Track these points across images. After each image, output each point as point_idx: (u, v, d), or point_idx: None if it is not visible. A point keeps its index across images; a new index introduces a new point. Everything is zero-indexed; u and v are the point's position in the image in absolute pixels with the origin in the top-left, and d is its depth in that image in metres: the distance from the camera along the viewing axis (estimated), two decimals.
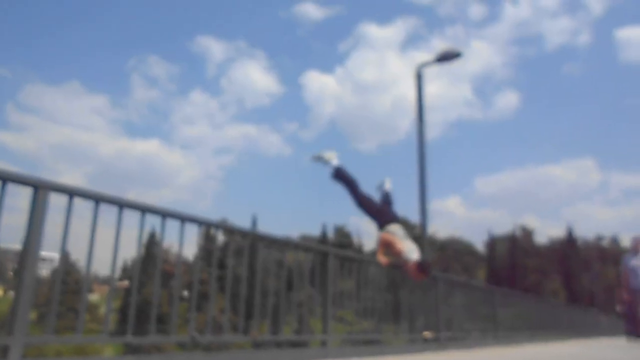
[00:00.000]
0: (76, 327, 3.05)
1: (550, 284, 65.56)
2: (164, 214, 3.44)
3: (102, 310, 48.55)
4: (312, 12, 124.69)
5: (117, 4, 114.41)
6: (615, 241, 70.33)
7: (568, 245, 69.28)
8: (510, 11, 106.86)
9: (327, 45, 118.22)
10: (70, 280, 47.54)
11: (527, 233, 72.08)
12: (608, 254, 66.42)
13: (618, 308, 13.29)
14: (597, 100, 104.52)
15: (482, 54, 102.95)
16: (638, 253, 8.68)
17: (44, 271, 61.90)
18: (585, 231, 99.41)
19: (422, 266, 5.42)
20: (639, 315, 8.58)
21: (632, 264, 8.63)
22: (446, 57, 10.00)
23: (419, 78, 10.06)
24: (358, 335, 5.77)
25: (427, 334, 6.58)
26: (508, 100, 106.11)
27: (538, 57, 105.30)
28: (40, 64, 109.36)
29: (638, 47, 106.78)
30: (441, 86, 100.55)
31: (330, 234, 68.75)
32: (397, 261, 6.16)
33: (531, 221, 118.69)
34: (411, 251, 5.49)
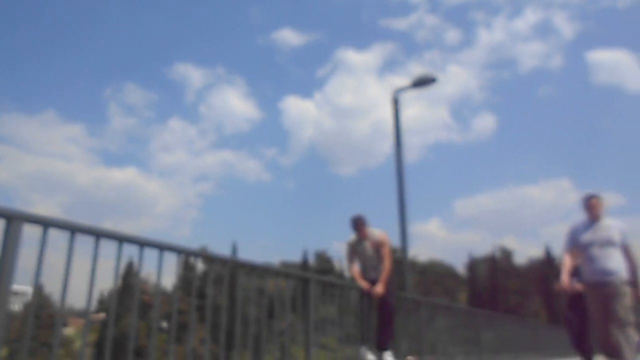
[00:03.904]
0: None
1: (531, 304, 65.97)
2: (142, 243, 3.38)
3: (78, 344, 46.99)
4: (291, 38, 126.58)
5: (94, 32, 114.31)
6: None
7: (547, 265, 70.11)
8: (485, 36, 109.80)
9: (306, 71, 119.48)
10: (43, 315, 46.05)
11: (507, 254, 72.76)
12: None
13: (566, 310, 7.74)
14: (571, 121, 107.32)
15: (458, 77, 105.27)
16: (595, 221, 5.21)
17: (16, 306, 59.90)
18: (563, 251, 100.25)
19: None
20: (593, 325, 5.29)
21: (584, 239, 5.15)
22: (422, 82, 10.21)
23: (396, 103, 10.23)
24: None
25: (411, 358, 6.53)
26: (485, 123, 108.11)
27: (513, 80, 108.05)
28: (14, 93, 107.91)
29: (608, 69, 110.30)
30: (419, 110, 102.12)
31: (311, 260, 68.33)
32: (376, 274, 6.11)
33: (511, 242, 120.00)
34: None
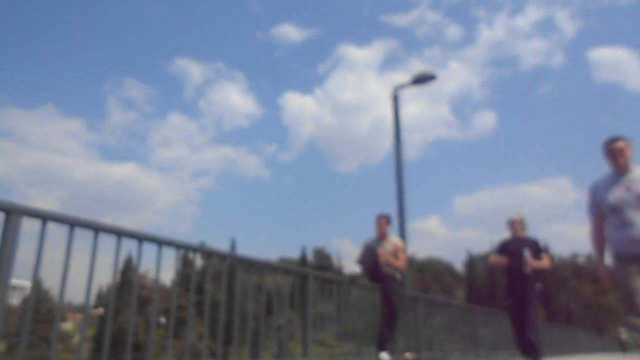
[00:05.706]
0: (48, 357, 2.95)
1: None
2: (141, 238, 3.38)
3: (76, 339, 47.07)
4: (292, 33, 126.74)
5: (93, 26, 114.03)
6: (590, 259, 71.63)
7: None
8: (486, 33, 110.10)
9: (306, 67, 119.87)
10: (42, 309, 46.09)
11: None
12: (584, 272, 67.53)
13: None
14: (571, 119, 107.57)
15: (459, 74, 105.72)
16: (623, 173, 3.71)
17: (15, 300, 59.95)
18: (562, 249, 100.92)
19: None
20: (626, 311, 3.56)
21: (612, 199, 3.65)
22: (422, 79, 10.19)
23: (395, 100, 10.22)
24: (339, 358, 5.70)
25: (408, 355, 6.55)
26: (485, 120, 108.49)
27: (514, 77, 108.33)
28: (13, 87, 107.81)
29: (610, 67, 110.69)
30: (420, 106, 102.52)
31: (310, 257, 68.40)
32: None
33: None
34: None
